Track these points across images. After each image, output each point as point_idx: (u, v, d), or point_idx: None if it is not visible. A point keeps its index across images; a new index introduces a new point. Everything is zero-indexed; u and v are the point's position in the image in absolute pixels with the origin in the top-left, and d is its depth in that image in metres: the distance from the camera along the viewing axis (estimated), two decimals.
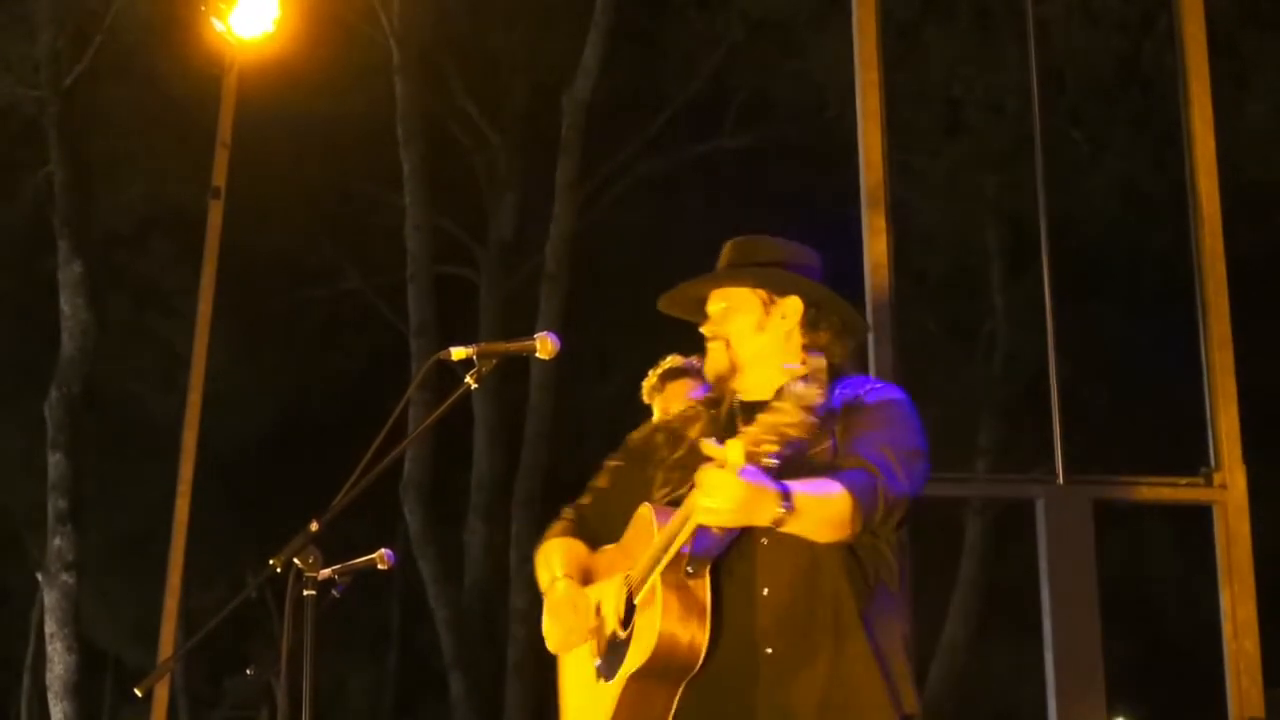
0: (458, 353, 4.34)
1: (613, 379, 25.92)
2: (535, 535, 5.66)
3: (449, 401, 4.37)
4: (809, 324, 4.32)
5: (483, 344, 4.36)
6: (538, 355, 4.41)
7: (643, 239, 24.19)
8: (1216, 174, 9.07)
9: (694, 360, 5.83)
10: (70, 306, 20.34)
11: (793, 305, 4.33)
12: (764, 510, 3.86)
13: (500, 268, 23.64)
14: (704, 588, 4.10)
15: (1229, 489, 8.68)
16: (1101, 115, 21.75)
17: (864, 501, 3.97)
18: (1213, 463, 8.77)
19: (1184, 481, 9.01)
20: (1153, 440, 21.29)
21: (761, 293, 4.35)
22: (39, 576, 20.40)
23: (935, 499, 12.22)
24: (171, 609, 11.39)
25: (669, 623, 4.09)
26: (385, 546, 5.71)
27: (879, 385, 4.33)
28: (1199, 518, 9.36)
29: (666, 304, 4.54)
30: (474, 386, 4.32)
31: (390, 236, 22.83)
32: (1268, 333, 19.51)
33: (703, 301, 4.45)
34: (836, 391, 4.25)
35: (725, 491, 3.82)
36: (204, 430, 11.88)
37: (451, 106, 23.93)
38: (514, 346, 4.41)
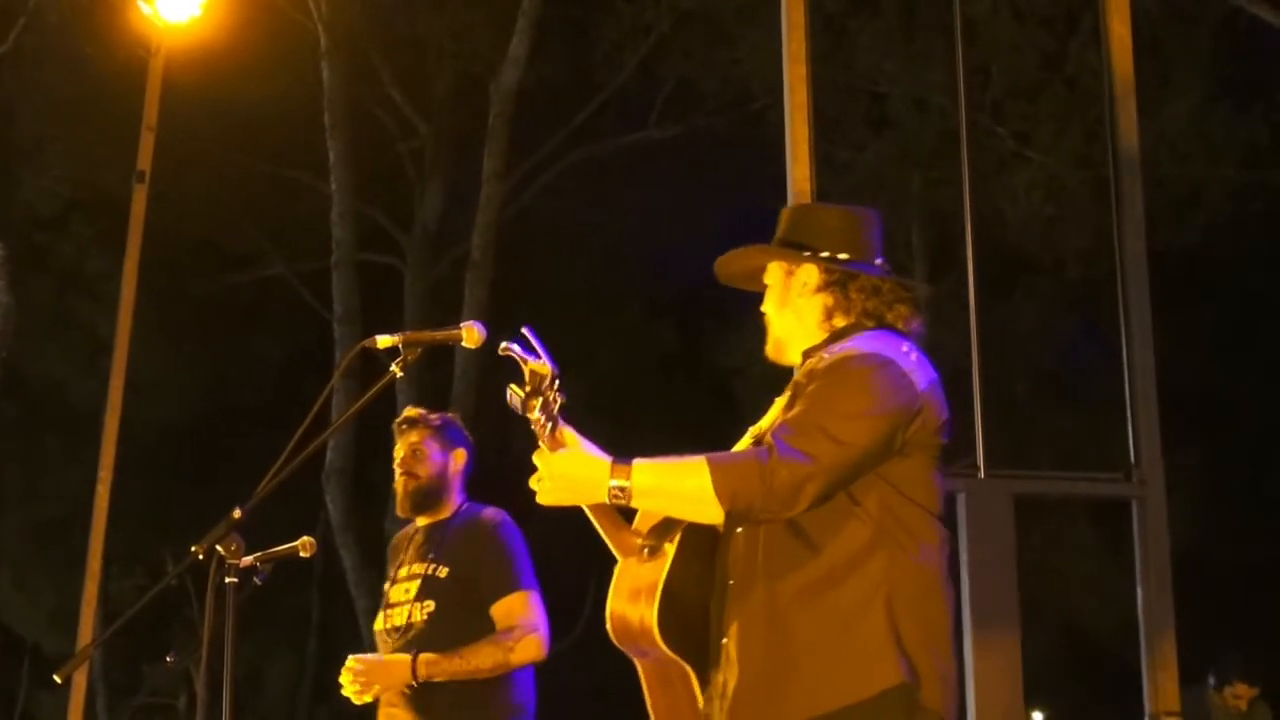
0: (383, 341, 4.30)
1: None
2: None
3: (374, 390, 4.35)
4: (836, 289, 4.21)
5: (408, 332, 4.33)
6: (464, 344, 4.39)
7: (569, 228, 24.19)
8: (1140, 172, 9.13)
9: (426, 412, 6.11)
10: None
11: (808, 272, 4.24)
12: (593, 482, 3.93)
13: (426, 256, 23.59)
14: (659, 568, 4.08)
15: (1148, 485, 8.74)
16: (1026, 112, 21.84)
17: (730, 476, 3.84)
18: (1133, 459, 8.82)
19: (1104, 477, 9.07)
20: (1074, 436, 21.44)
21: (783, 264, 4.28)
22: None
23: None
24: (91, 595, 11.32)
25: (618, 602, 4.15)
26: (307, 534, 5.70)
27: (848, 344, 4.11)
28: (1118, 513, 9.43)
29: (727, 279, 4.48)
30: (400, 375, 4.30)
31: (315, 223, 22.74)
32: (1188, 331, 19.68)
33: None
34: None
35: (543, 469, 3.98)
36: (125, 416, 11.81)
37: (378, 94, 23.86)
38: (440, 335, 4.39)
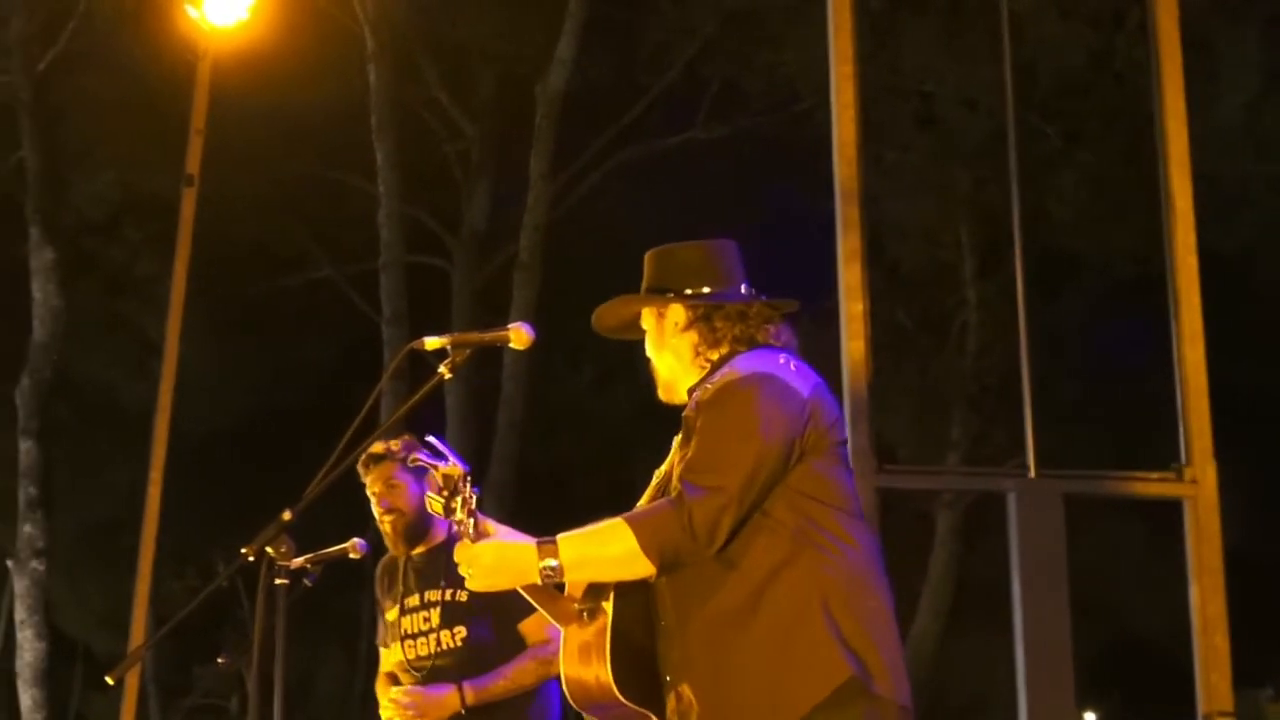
0: (431, 343, 4.31)
1: (584, 370, 25.92)
2: (506, 525, 5.75)
3: (422, 391, 4.35)
4: (703, 324, 4.31)
5: (457, 334, 4.34)
6: (512, 346, 4.40)
7: (616, 230, 24.17)
8: (1189, 169, 9.07)
9: (392, 446, 6.02)
10: (41, 293, 20.31)
11: (675, 312, 4.35)
12: (523, 565, 4.04)
13: (473, 257, 23.61)
14: (602, 627, 4.14)
15: (1199, 484, 8.69)
16: (1074, 110, 21.76)
17: (652, 531, 3.96)
18: (1183, 458, 8.77)
19: (1155, 476, 9.01)
20: (1124, 435, 21.36)
21: (653, 309, 4.40)
22: (9, 564, 20.34)
23: (907, 491, 12.25)
24: (143, 596, 11.37)
25: (570, 667, 4.19)
26: (357, 536, 5.71)
27: (726, 370, 4.21)
28: (1170, 513, 9.37)
29: (606, 332, 4.59)
30: (448, 376, 4.30)
31: (363, 225, 22.77)
32: (1239, 328, 19.57)
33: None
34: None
35: (469, 560, 4.10)
36: (175, 417, 11.85)
37: (425, 95, 23.88)
38: (488, 337, 4.39)
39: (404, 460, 5.97)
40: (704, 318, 4.30)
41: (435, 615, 5.90)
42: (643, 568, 3.98)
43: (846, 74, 8.83)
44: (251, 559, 4.25)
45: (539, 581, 4.04)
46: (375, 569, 6.26)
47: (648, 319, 4.42)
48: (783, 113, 22.74)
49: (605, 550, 4.00)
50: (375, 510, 6.02)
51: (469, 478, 4.20)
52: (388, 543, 6.07)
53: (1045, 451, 8.78)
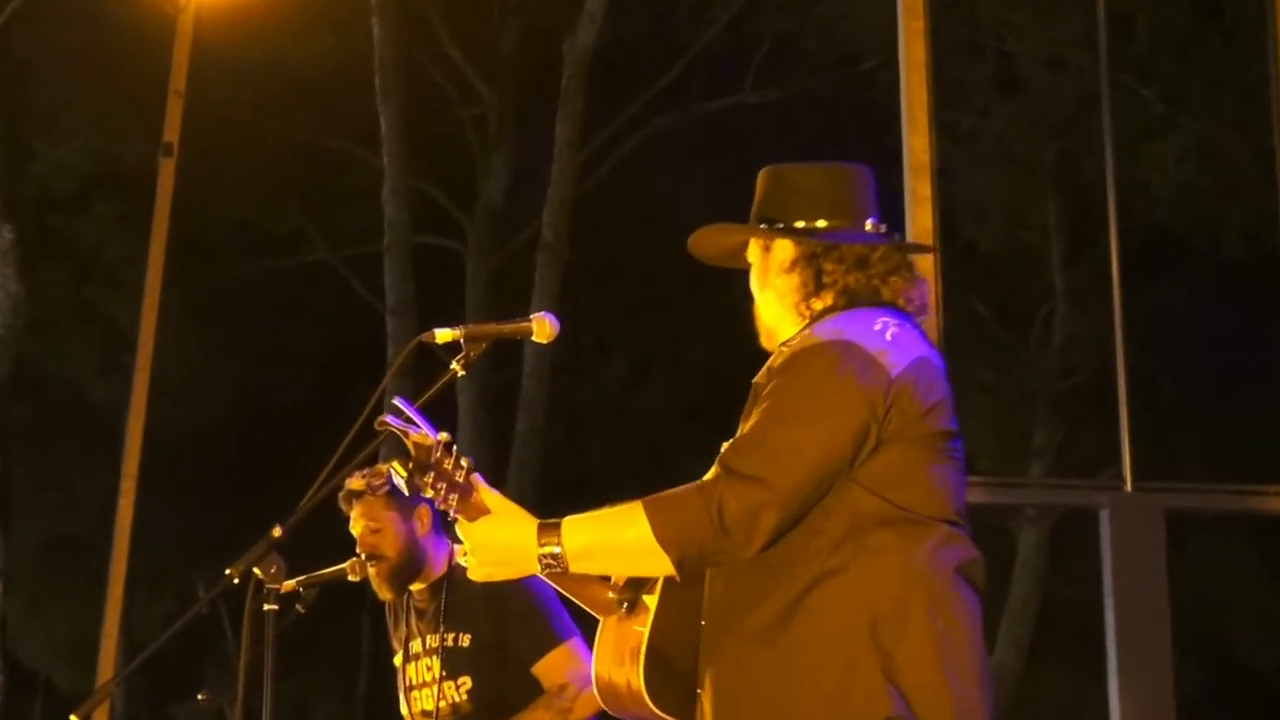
0: (443, 335, 4.29)
1: (616, 364, 25.92)
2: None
3: (432, 390, 4.33)
4: (809, 266, 4.11)
5: (471, 325, 4.31)
6: (534, 338, 4.36)
7: (651, 206, 24.20)
8: None
9: (370, 477, 5.90)
10: None
11: (782, 248, 4.16)
12: (519, 551, 3.92)
13: (490, 237, 23.63)
14: (641, 625, 4.07)
15: None
16: (1177, 71, 21.72)
17: (672, 519, 3.79)
18: None
19: (1270, 490, 9.01)
20: (1234, 442, 21.29)
21: (759, 240, 4.22)
22: None
23: (985, 506, 12.23)
24: (113, 624, 11.40)
25: (603, 666, 4.17)
26: (355, 555, 5.72)
27: (812, 331, 4.02)
28: None
29: (706, 259, 4.42)
30: (462, 374, 4.28)
31: (365, 201, 22.83)
32: None
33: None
34: None
35: (466, 541, 3.99)
36: (151, 418, 11.88)
37: (436, 54, 23.90)
38: (507, 329, 4.35)
39: (388, 496, 5.90)
40: (811, 258, 4.09)
41: (435, 664, 5.90)
42: (658, 563, 3.81)
43: (916, 30, 8.83)
44: (236, 581, 4.25)
45: (539, 572, 3.94)
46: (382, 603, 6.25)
47: (753, 250, 4.22)
48: (843, 73, 22.74)
49: (615, 538, 3.85)
50: (359, 553, 5.92)
51: (450, 447, 4.02)
52: (378, 592, 6.03)
53: (1143, 461, 8.77)
